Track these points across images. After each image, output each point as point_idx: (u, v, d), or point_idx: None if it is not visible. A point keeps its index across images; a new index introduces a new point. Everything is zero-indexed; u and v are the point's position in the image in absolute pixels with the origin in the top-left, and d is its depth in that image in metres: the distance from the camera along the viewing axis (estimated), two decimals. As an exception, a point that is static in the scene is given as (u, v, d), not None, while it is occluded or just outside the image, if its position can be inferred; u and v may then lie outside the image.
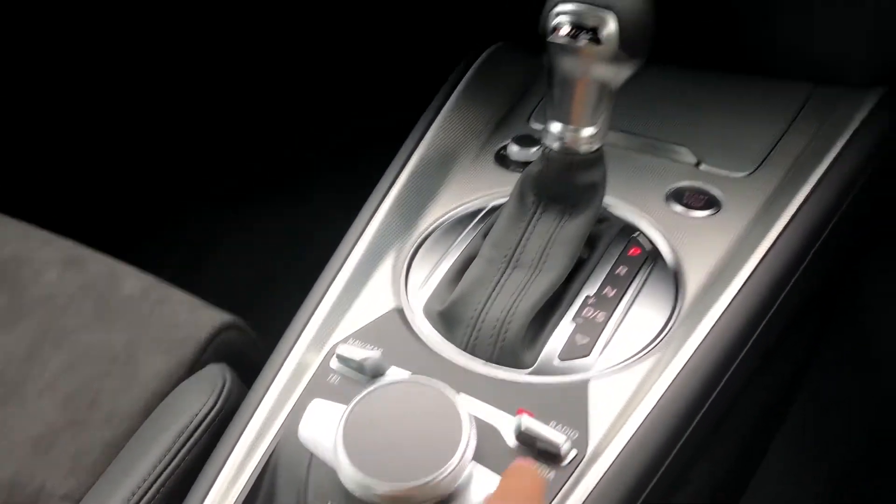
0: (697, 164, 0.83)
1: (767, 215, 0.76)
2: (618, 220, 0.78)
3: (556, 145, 0.70)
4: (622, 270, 0.73)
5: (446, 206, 0.84)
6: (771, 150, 0.82)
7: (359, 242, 0.80)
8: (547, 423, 0.63)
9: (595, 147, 0.70)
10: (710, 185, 0.80)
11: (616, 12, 0.62)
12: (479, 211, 0.82)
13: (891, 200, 0.95)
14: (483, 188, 0.85)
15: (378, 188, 0.85)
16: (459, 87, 0.93)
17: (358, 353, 0.68)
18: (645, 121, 0.88)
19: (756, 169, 0.81)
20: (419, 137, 0.89)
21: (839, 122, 0.82)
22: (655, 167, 0.83)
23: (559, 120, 0.69)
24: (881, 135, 0.81)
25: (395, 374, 0.68)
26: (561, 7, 0.63)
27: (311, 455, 0.63)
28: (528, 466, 0.56)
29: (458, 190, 0.85)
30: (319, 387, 0.69)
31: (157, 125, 1.63)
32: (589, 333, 0.70)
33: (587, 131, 0.68)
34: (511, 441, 0.63)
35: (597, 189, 0.73)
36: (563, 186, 0.72)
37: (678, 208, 0.79)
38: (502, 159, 0.88)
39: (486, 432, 0.63)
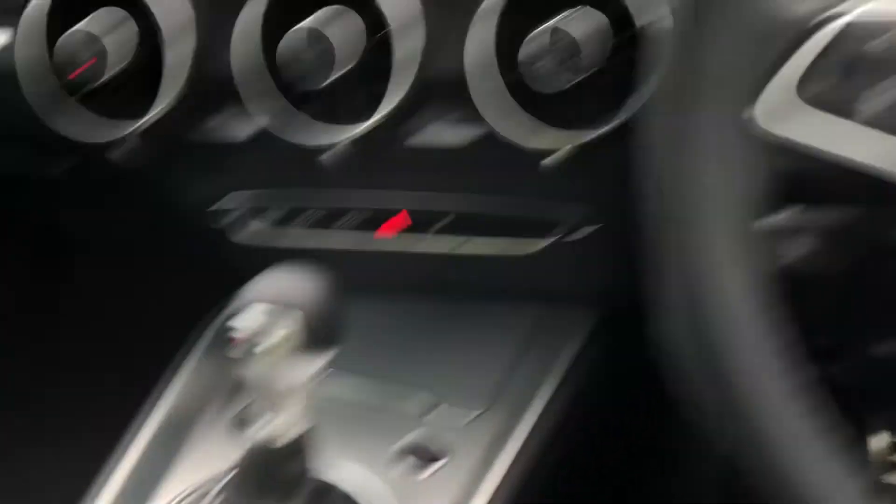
0: (427, 410, 0.82)
1: (491, 461, 0.76)
2: (338, 495, 0.77)
3: (256, 437, 0.69)
4: None
5: (176, 488, 0.80)
6: (499, 386, 0.82)
7: None
8: None
9: (297, 433, 0.69)
10: (439, 432, 0.79)
11: (296, 314, 0.59)
12: (209, 493, 0.78)
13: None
14: (218, 461, 0.80)
15: (104, 471, 0.80)
16: (195, 351, 0.90)
17: None
18: (372, 363, 0.85)
19: (484, 411, 0.81)
20: (149, 410, 0.84)
21: (557, 351, 0.84)
22: (383, 418, 0.82)
23: (259, 413, 0.68)
24: (595, 362, 0.85)
25: None
26: (232, 322, 0.59)
27: None
28: None
29: (191, 466, 0.81)
30: None
31: None
32: None
33: (284, 422, 0.68)
34: None
35: (307, 472, 0.72)
36: (272, 476, 0.70)
37: (406, 463, 0.78)
38: (241, 425, 0.86)
39: None
